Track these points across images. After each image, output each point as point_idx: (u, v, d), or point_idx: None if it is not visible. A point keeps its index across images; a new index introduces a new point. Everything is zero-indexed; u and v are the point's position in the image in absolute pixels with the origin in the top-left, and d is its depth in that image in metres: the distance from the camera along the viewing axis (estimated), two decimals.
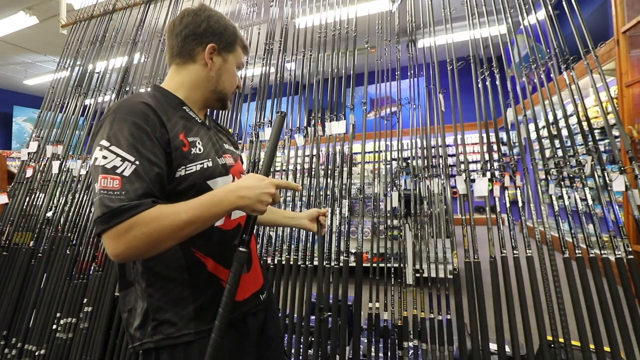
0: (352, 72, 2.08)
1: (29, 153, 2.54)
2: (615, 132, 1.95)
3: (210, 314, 0.76)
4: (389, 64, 2.04)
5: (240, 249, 0.71)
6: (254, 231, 0.87)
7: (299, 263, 1.83)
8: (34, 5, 4.70)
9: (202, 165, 0.76)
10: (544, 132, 2.04)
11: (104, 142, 0.66)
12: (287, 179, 2.03)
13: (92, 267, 1.97)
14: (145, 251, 0.63)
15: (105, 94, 2.51)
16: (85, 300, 1.88)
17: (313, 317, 1.69)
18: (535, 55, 1.63)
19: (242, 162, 1.03)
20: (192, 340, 0.74)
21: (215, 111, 2.09)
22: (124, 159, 0.64)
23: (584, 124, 1.48)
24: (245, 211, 0.71)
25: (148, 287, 0.75)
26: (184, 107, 0.83)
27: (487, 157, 1.63)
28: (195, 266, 0.76)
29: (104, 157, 0.65)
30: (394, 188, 1.90)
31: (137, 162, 0.65)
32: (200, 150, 0.78)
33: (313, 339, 1.64)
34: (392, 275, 1.75)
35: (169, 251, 0.72)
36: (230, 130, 1.19)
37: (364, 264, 1.74)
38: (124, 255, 0.62)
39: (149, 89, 0.83)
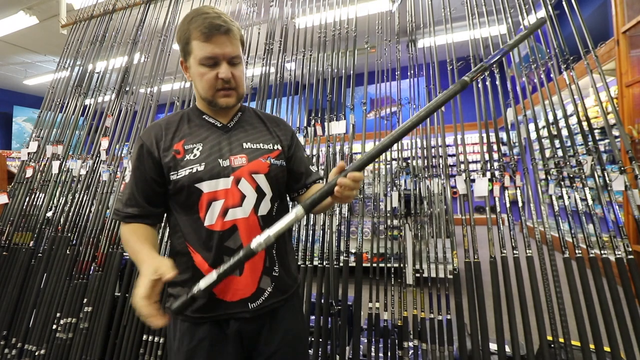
0: (352, 72, 2.08)
1: (29, 153, 2.53)
2: (615, 132, 1.95)
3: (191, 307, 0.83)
4: (389, 64, 2.04)
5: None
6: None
7: (299, 263, 1.83)
8: (34, 5, 4.69)
9: (191, 170, 0.83)
10: (544, 132, 2.04)
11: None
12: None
13: (92, 267, 1.97)
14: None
15: (105, 94, 2.51)
16: (85, 300, 1.87)
17: (313, 317, 1.69)
18: (535, 55, 1.63)
19: (274, 154, 0.92)
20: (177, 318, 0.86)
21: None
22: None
23: (584, 124, 1.48)
24: None
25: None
26: (204, 116, 0.91)
27: (487, 157, 1.63)
28: (187, 257, 0.86)
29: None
30: (394, 188, 1.90)
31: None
32: (195, 156, 0.85)
33: (313, 338, 1.64)
34: (392, 275, 1.75)
35: (179, 239, 0.87)
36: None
37: (364, 264, 1.73)
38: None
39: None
